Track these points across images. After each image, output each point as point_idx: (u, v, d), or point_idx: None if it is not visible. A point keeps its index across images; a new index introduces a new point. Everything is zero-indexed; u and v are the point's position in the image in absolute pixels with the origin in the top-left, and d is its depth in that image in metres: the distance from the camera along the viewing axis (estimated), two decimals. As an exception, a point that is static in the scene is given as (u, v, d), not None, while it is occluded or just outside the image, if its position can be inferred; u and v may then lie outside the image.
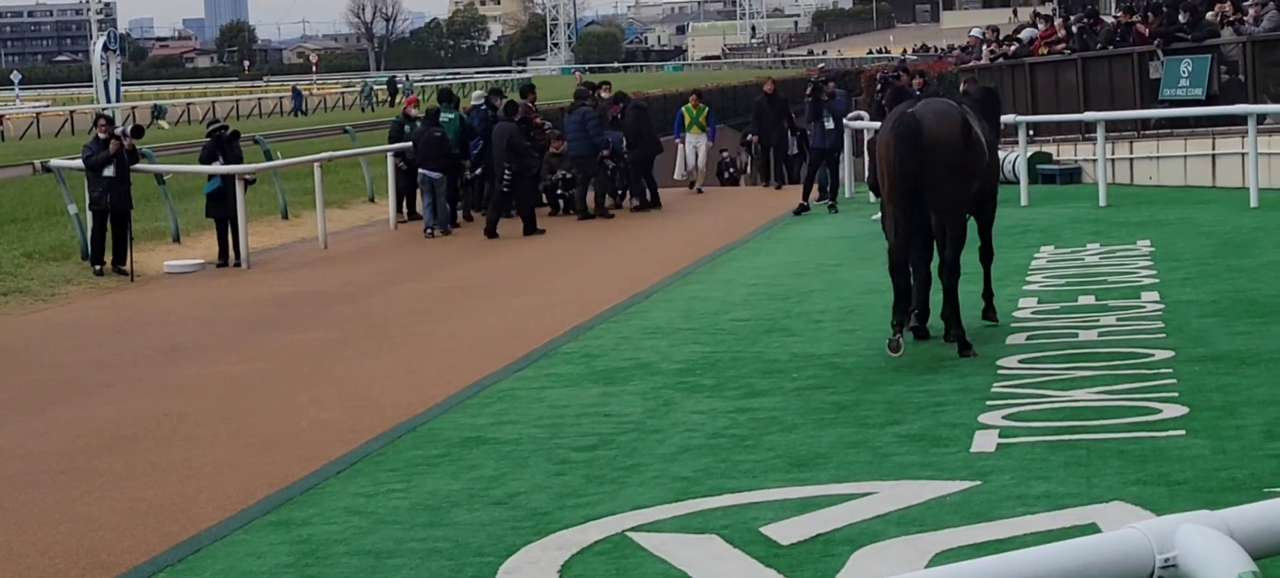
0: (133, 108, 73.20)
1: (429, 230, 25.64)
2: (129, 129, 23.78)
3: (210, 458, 10.65)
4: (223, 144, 23.09)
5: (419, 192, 26.41)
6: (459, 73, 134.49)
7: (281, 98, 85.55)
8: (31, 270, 21.15)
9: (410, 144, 26.75)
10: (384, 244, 25.14)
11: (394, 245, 24.93)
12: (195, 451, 10.90)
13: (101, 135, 22.00)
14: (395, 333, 15.84)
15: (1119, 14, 31.84)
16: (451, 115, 27.11)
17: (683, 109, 32.71)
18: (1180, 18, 28.00)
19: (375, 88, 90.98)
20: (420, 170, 25.94)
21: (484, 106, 28.08)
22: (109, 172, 21.45)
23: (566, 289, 18.48)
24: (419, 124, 27.16)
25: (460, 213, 27.13)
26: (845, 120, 27.15)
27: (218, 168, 22.66)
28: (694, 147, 32.01)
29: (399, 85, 71.26)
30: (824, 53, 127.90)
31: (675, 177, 32.53)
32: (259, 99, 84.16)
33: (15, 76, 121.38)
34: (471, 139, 27.02)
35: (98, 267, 21.53)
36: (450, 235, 25.69)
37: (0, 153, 45.64)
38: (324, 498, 9.23)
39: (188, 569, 8.06)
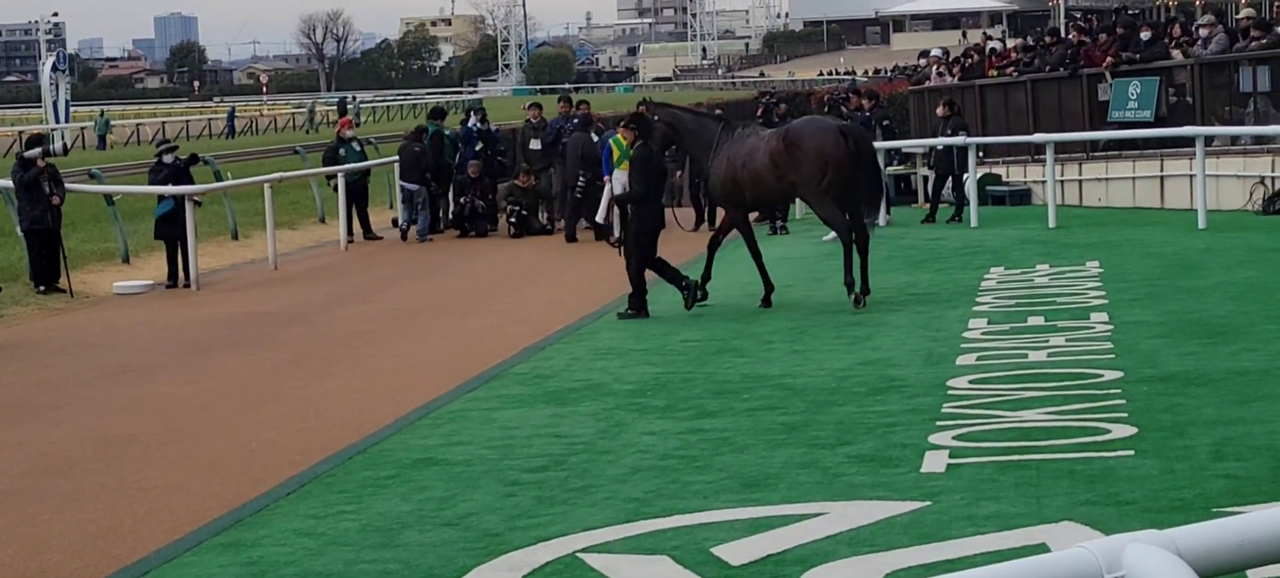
0: (81, 128, 72.74)
1: (403, 233, 27.53)
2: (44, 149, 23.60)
3: (159, 480, 10.58)
4: (179, 171, 22.90)
5: (400, 200, 28.26)
6: (410, 93, 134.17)
7: (211, 120, 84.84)
8: (-22, 291, 20.96)
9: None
10: (334, 265, 25.06)
11: (344, 266, 24.86)
12: (144, 472, 10.83)
13: (26, 155, 21.84)
14: (345, 354, 15.78)
15: (1074, 33, 31.96)
16: (430, 129, 28.57)
17: (611, 141, 25.23)
18: (1142, 36, 28.16)
19: (318, 108, 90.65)
20: (400, 182, 27.79)
21: (472, 125, 29.09)
22: (49, 192, 21.29)
23: (517, 310, 18.46)
24: (355, 145, 29.39)
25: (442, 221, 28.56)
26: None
27: (168, 189, 22.50)
28: (623, 185, 23.93)
29: (349, 107, 70.91)
30: (790, 76, 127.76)
31: (597, 218, 26.04)
32: (186, 121, 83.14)
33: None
34: (451, 155, 28.40)
35: (41, 287, 21.36)
36: (429, 243, 27.18)
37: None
38: (274, 520, 9.18)
39: (136, 592, 8.01)
